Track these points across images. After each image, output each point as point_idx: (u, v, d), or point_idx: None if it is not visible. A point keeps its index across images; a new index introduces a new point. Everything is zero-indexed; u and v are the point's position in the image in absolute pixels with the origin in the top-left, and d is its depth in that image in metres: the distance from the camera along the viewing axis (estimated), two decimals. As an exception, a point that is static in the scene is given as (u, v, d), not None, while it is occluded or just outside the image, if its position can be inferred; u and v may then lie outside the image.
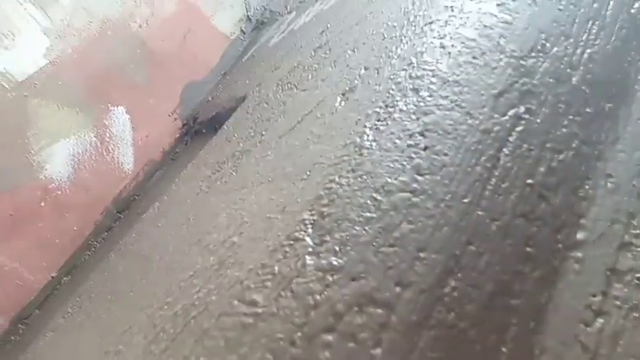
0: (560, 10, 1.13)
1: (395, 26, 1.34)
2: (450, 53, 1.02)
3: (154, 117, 2.91)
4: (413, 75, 1.02)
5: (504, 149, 0.94)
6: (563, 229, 1.00)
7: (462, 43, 1.02)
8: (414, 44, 1.13)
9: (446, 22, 1.11)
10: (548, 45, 1.07)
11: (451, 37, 1.05)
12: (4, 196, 2.39)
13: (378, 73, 1.16)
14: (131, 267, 1.46)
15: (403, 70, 1.06)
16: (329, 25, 2.03)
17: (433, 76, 0.99)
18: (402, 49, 1.16)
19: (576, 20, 1.15)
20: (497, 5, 1.07)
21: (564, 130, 1.04)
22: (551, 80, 1.05)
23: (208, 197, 1.43)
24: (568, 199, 1.02)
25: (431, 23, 1.15)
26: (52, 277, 2.51)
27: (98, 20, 2.75)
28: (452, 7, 1.13)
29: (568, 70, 1.09)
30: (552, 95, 1.04)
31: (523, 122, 0.98)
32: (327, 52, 1.74)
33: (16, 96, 2.48)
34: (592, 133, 1.10)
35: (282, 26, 2.95)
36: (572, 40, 1.12)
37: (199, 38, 3.08)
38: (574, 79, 1.09)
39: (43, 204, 2.53)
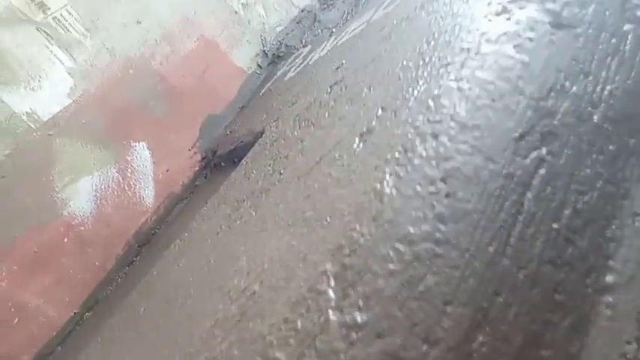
0: (578, 47, 1.13)
1: (410, 66, 1.35)
2: (468, 97, 1.01)
3: (174, 151, 2.96)
4: (431, 119, 1.02)
5: (528, 193, 0.92)
6: (592, 272, 0.97)
7: (480, 86, 1.02)
8: (430, 87, 1.13)
9: (462, 64, 1.11)
10: (567, 84, 1.06)
11: (468, 80, 1.05)
12: (30, 234, 2.45)
13: (395, 115, 1.16)
14: (153, 309, 1.46)
15: (421, 113, 1.06)
16: (344, 62, 2.06)
17: (452, 120, 0.99)
18: (418, 91, 1.17)
19: (595, 57, 1.14)
20: (514, 47, 1.07)
21: (588, 170, 1.02)
22: (572, 120, 1.04)
23: (228, 238, 1.43)
24: (595, 242, 1.00)
25: (447, 65, 1.15)
26: (75, 313, 2.53)
27: (120, 59, 2.85)
28: (468, 49, 1.14)
29: (589, 108, 1.07)
30: (574, 135, 1.03)
31: (546, 165, 0.96)
32: (343, 89, 1.76)
33: (41, 135, 2.56)
34: (617, 171, 1.08)
35: (298, 60, 3.01)
36: (591, 78, 1.11)
37: (218, 73, 3.16)
38: (595, 117, 1.08)
39: (66, 240, 2.58)
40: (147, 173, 2.84)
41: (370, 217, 0.90)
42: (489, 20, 1.17)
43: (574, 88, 1.07)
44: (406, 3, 2.01)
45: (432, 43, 1.35)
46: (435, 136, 0.98)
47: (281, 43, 3.32)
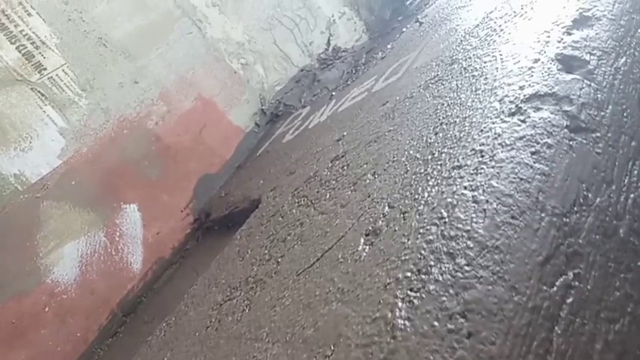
0: (598, 153, 1.06)
1: (418, 158, 1.28)
2: (485, 211, 0.93)
3: (166, 213, 2.86)
4: (446, 234, 0.93)
5: (556, 328, 0.83)
6: (628, 413, 0.86)
7: (498, 199, 0.94)
8: (442, 192, 1.05)
9: (476, 169, 1.04)
10: (590, 196, 0.99)
11: (484, 191, 0.97)
12: (9, 303, 2.30)
13: (404, 219, 1.08)
14: (133, 418, 1.32)
15: (434, 224, 0.98)
16: (345, 134, 2.00)
17: (469, 238, 0.90)
18: (429, 194, 1.09)
19: (616, 163, 1.07)
20: (532, 154, 1.01)
21: (617, 293, 0.93)
22: (597, 237, 0.95)
23: (218, 339, 1.31)
24: (630, 376, 0.89)
25: (459, 168, 1.08)
26: (52, 390, 2.35)
27: (115, 119, 2.79)
28: (481, 152, 1.07)
29: (614, 221, 0.99)
30: (600, 254, 0.94)
31: (573, 292, 0.87)
32: (345, 167, 1.69)
33: (28, 198, 2.46)
34: (646, 289, 0.99)
35: (297, 121, 2.96)
36: (614, 187, 1.04)
37: (215, 132, 3.10)
38: (621, 231, 1.00)
39: (47, 309, 2.43)
40: (136, 237, 2.72)
41: (382, 357, 0.80)
42: (503, 120, 1.11)
43: (597, 200, 0.99)
44: (409, 78, 1.98)
45: (441, 135, 1.29)
46: (452, 256, 0.89)
47: (280, 102, 3.30)
